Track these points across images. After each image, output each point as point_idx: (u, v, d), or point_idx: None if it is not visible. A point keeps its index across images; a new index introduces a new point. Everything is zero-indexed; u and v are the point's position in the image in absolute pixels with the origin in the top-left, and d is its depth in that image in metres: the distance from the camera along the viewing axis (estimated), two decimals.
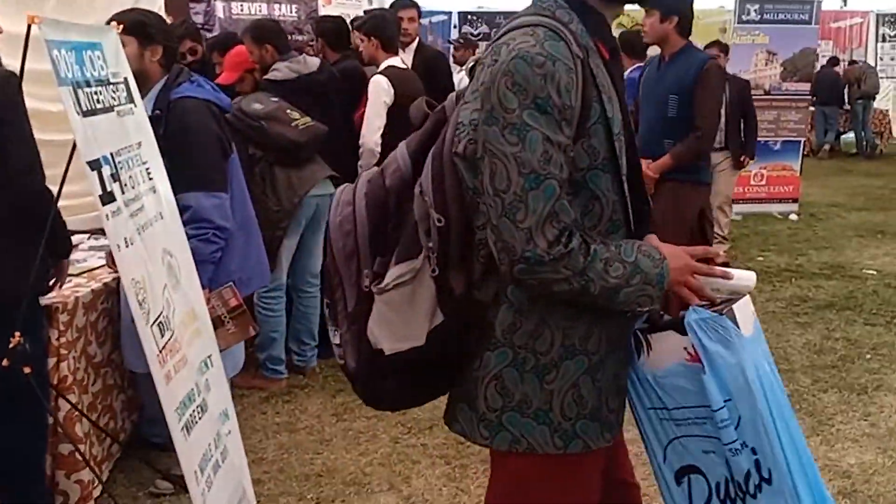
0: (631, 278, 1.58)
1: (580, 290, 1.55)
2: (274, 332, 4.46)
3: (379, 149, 4.75)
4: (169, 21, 6.03)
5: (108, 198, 2.36)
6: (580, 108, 1.54)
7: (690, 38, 4.61)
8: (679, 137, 4.48)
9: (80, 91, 2.38)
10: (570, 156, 1.54)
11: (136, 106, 2.84)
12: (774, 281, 6.77)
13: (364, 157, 4.79)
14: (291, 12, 6.53)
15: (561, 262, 1.51)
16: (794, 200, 9.57)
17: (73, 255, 3.59)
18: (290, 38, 6.06)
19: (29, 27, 2.23)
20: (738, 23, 8.80)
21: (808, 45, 9.17)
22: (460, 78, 7.79)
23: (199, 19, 6.11)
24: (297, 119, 4.33)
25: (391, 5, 5.79)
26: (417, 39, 5.67)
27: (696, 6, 15.72)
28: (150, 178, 2.79)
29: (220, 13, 6.24)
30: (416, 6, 5.73)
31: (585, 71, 1.56)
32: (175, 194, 3.03)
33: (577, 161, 1.57)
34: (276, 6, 6.50)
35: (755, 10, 8.75)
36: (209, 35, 5.85)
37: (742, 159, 7.21)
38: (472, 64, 1.80)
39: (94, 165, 2.34)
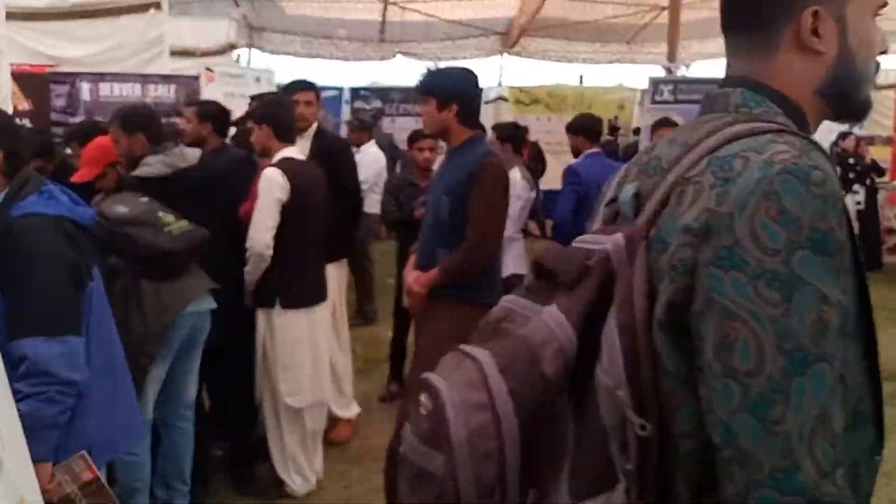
0: None
1: None
2: (136, 481, 3.62)
3: (270, 252, 4.12)
4: (27, 106, 5.38)
5: None
6: None
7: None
8: (453, 246, 3.68)
9: None
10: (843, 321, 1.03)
11: None
12: None
13: (252, 263, 4.15)
14: (169, 93, 5.80)
15: None
16: None
17: None
18: (167, 120, 5.41)
19: None
20: (652, 103, 8.50)
21: None
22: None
23: (60, 102, 5.35)
24: (170, 224, 3.65)
25: (286, 87, 5.14)
26: (316, 125, 5.03)
27: (597, 82, 15.54)
28: None
29: (85, 95, 5.46)
30: (315, 88, 5.08)
31: None
32: (9, 341, 2.40)
33: None
34: (152, 87, 5.77)
35: (668, 91, 8.47)
36: (72, 120, 5.10)
37: None
38: (633, 190, 1.20)
39: None
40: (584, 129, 6.00)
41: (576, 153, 5.98)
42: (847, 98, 1.24)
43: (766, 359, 0.98)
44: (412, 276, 3.73)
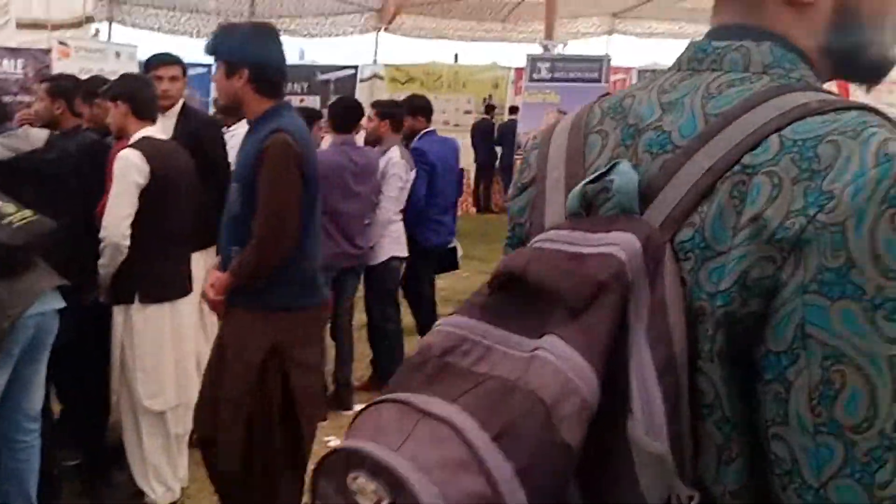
0: None
1: None
2: None
3: (128, 242, 3.74)
4: None
5: None
6: None
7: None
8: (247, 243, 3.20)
9: None
10: None
11: None
12: None
13: (107, 255, 3.77)
14: (16, 68, 5.28)
15: None
16: None
17: None
18: (13, 98, 4.95)
19: None
20: (530, 80, 8.47)
21: None
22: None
23: None
24: (10, 214, 3.27)
25: (147, 61, 4.75)
26: (182, 103, 4.67)
27: (471, 61, 15.47)
28: None
29: None
30: (180, 63, 4.71)
31: None
32: None
33: None
34: None
35: (546, 69, 8.44)
36: None
37: None
38: (633, 175, 0.94)
39: None
40: (422, 108, 6.00)
41: (412, 134, 5.90)
42: (856, 57, 0.99)
43: (879, 411, 0.76)
44: (210, 279, 3.33)
